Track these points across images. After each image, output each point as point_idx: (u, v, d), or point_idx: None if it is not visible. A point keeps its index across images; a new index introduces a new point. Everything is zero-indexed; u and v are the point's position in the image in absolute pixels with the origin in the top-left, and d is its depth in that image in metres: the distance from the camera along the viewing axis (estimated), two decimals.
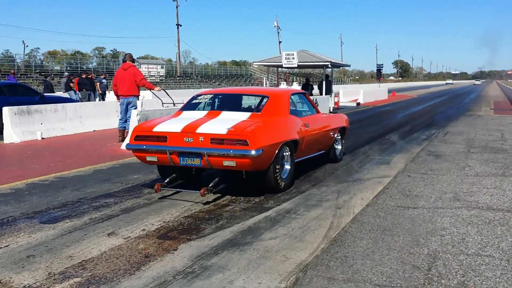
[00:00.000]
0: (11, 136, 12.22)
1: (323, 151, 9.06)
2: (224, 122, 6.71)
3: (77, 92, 24.12)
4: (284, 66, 25.08)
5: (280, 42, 70.12)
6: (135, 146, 6.90)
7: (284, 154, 7.23)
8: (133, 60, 12.59)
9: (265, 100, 7.54)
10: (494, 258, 4.49)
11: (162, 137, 6.71)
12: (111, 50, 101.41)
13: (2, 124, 12.64)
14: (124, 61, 12.63)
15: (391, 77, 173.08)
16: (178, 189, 6.90)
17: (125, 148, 8.17)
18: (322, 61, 25.12)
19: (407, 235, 5.13)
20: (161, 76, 63.83)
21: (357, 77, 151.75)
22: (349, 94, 36.99)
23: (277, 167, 6.83)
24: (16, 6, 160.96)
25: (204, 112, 7.45)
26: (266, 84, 29.94)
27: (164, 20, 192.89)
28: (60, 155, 10.44)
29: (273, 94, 7.74)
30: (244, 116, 7.08)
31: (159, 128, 6.81)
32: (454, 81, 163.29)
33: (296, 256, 4.54)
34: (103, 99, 25.20)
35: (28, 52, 78.53)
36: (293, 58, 23.99)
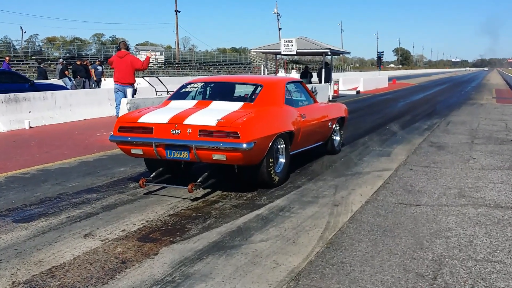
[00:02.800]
0: None
1: (321, 143, 8.64)
2: (214, 113, 6.27)
3: (72, 79, 23.63)
4: (282, 53, 24.55)
5: (280, 29, 69.07)
6: (119, 138, 6.47)
7: (279, 146, 6.81)
8: (127, 48, 12.42)
9: (258, 89, 7.09)
10: (505, 264, 4.08)
11: (147, 129, 6.28)
12: (110, 37, 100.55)
13: None
14: (118, 49, 12.43)
15: (392, 65, 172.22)
16: (164, 185, 6.47)
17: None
18: (321, 48, 24.56)
19: (409, 236, 4.73)
20: (159, 62, 63.08)
21: (357, 65, 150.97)
22: (349, 82, 36.45)
23: (270, 160, 6.41)
24: None
25: (194, 102, 7.01)
26: (264, 72, 29.43)
27: (164, 6, 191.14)
28: (46, 145, 10.02)
29: (267, 83, 7.30)
30: (236, 106, 6.64)
31: (144, 119, 6.38)
32: (458, 69, 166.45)
33: (288, 261, 4.12)
34: (99, 86, 24.69)
35: (27, 39, 77.84)
36: (292, 45, 23.44)
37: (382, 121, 14.79)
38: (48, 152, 9.19)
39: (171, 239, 4.66)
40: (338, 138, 9.22)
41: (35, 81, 22.21)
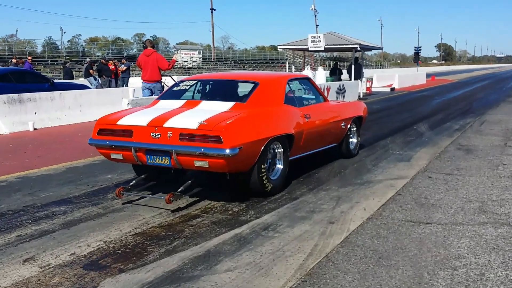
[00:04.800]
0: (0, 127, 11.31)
1: (334, 144, 7.81)
2: (199, 114, 5.57)
3: (97, 78, 23.39)
4: (310, 49, 23.54)
5: (317, 25, 67.95)
6: (97, 141, 5.86)
7: (276, 151, 6.06)
8: (153, 46, 12.45)
9: (253, 87, 6.31)
10: None
11: (127, 132, 5.64)
12: (151, 36, 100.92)
13: None
14: (145, 47, 12.46)
15: (434, 61, 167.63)
16: (142, 194, 5.78)
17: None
18: (350, 44, 23.43)
19: (408, 266, 3.87)
20: (194, 61, 62.83)
21: (398, 61, 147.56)
22: (385, 79, 35.04)
23: (263, 167, 5.66)
24: None
25: (182, 102, 6.30)
26: (291, 69, 28.50)
27: (204, 5, 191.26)
28: (43, 148, 9.48)
29: (264, 80, 6.53)
30: (225, 106, 5.91)
31: (124, 121, 5.74)
32: (503, 65, 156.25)
33: None
34: (126, 85, 24.28)
35: (70, 39, 79.21)
36: (320, 41, 22.43)
37: (411, 120, 13.76)
38: (40, 156, 8.64)
39: (122, 266, 3.94)
40: (354, 140, 8.35)
41: (61, 80, 22.09)
